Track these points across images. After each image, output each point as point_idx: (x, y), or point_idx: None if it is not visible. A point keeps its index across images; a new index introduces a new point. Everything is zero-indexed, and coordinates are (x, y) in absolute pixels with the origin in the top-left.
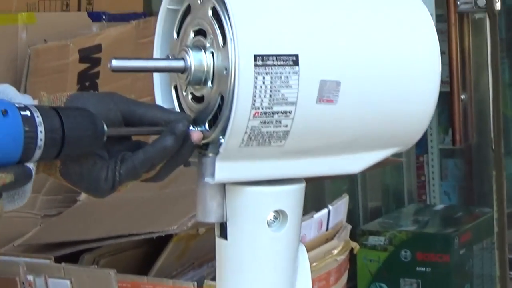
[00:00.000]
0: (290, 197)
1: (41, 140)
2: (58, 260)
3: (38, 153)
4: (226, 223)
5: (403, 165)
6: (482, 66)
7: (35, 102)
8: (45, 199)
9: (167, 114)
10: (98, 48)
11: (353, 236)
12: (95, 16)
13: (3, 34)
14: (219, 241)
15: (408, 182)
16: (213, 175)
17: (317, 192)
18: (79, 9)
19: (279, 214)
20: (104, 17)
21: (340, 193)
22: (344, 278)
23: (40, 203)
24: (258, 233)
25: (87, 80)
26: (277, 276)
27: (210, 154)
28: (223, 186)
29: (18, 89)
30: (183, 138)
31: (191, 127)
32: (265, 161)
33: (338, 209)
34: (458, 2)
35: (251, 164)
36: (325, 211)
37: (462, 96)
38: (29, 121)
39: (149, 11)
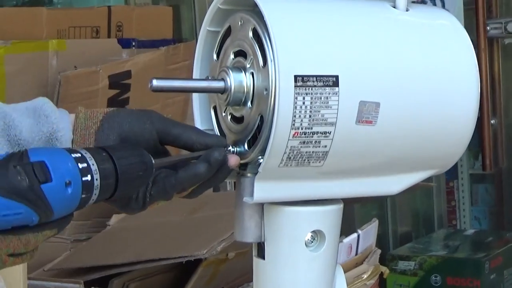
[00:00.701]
0: (328, 218)
1: (93, 200)
2: (88, 285)
3: (89, 204)
4: (263, 243)
5: (433, 190)
6: None
7: (72, 117)
8: (75, 224)
9: (203, 137)
10: (127, 74)
11: (383, 261)
12: (124, 43)
13: (34, 60)
14: (256, 260)
15: (438, 207)
16: (251, 194)
17: (347, 217)
18: (109, 36)
19: (317, 235)
20: (133, 43)
21: (370, 218)
22: None
23: (70, 228)
24: (295, 253)
25: (117, 106)
26: None
27: (249, 174)
28: (261, 206)
29: None
30: (219, 164)
31: (230, 148)
32: (303, 181)
33: (368, 233)
34: (488, 28)
35: (290, 184)
36: (354, 235)
37: (492, 121)
38: (88, 187)
39: (179, 37)
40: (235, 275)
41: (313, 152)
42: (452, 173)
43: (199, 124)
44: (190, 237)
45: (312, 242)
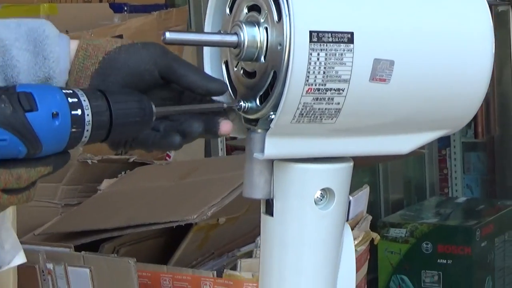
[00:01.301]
0: (338, 176)
1: (86, 137)
2: (78, 249)
3: (81, 144)
4: (272, 200)
5: (425, 158)
6: (505, 60)
7: (74, 43)
8: (65, 188)
9: (206, 83)
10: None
11: (374, 228)
12: (116, 7)
13: None
14: (264, 217)
15: (430, 175)
16: (262, 150)
17: None
18: (100, 0)
19: (326, 192)
20: (125, 8)
21: (361, 185)
22: (364, 269)
23: (61, 193)
24: (304, 211)
25: None
26: (322, 254)
27: (260, 130)
28: (271, 163)
29: None
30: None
31: (242, 103)
32: (315, 138)
33: (359, 200)
34: None
35: (301, 141)
36: None
37: None
38: (78, 121)
39: (171, 2)
40: (226, 240)
41: (325, 109)
42: (444, 141)
43: None
44: (181, 202)
45: (321, 200)
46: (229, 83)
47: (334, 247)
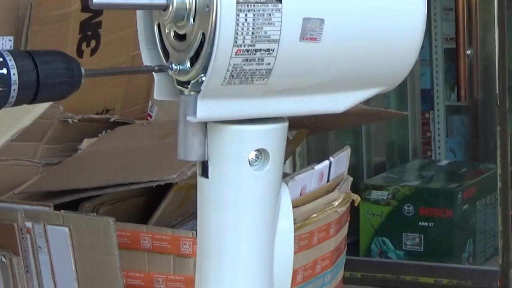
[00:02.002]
0: (272, 136)
1: (12, 97)
2: (58, 208)
3: (8, 105)
4: (207, 162)
5: (408, 120)
6: (489, 23)
7: None
8: (46, 147)
9: None
10: None
11: (356, 190)
12: None
13: None
14: (200, 179)
15: (413, 138)
16: (195, 113)
17: (321, 146)
18: None
19: (261, 153)
20: None
21: (343, 147)
22: (344, 230)
23: (41, 152)
24: (239, 172)
25: (90, 30)
26: (258, 214)
27: (192, 92)
28: (204, 125)
29: (19, 39)
30: None
31: (173, 65)
32: (247, 99)
33: (340, 161)
34: None
35: (234, 103)
36: (326, 162)
37: (468, 52)
38: (4, 80)
39: None
40: None
41: (256, 69)
42: (428, 104)
43: (143, 42)
44: (161, 161)
45: (256, 161)
46: (162, 47)
47: (270, 207)
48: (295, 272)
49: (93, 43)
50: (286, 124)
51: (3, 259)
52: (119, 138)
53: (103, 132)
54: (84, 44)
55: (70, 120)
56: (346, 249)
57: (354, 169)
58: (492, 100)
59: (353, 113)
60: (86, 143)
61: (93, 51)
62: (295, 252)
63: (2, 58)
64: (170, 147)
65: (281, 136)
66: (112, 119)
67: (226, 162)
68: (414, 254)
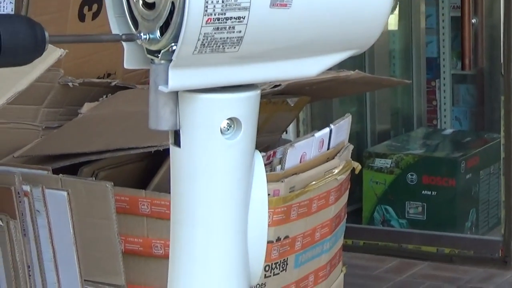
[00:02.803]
0: (244, 105)
1: None
2: (57, 172)
3: None
4: (179, 131)
5: (414, 89)
6: None
7: None
8: (46, 111)
9: None
10: None
11: (359, 158)
12: None
13: None
14: (173, 148)
15: (418, 106)
16: (166, 82)
17: (325, 113)
18: None
19: (233, 122)
20: None
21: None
22: (344, 198)
23: (41, 115)
24: (211, 141)
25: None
26: (231, 183)
27: (163, 61)
28: (176, 94)
29: (21, 1)
30: None
31: (142, 34)
32: (219, 67)
33: (340, 128)
34: None
35: (205, 71)
36: (326, 130)
37: (473, 21)
38: None
39: None
40: None
41: (227, 38)
42: (434, 72)
43: (111, 9)
44: None
45: (228, 129)
46: (131, 16)
47: (243, 176)
48: (294, 239)
49: (95, 7)
50: (258, 92)
51: (0, 223)
52: (119, 102)
53: (104, 96)
54: (86, 8)
55: (70, 84)
56: (346, 217)
57: (358, 136)
58: (497, 70)
59: (355, 81)
60: (86, 107)
61: (94, 15)
62: (294, 219)
63: None
64: None
65: (253, 105)
66: (113, 84)
67: (197, 131)
68: (417, 222)
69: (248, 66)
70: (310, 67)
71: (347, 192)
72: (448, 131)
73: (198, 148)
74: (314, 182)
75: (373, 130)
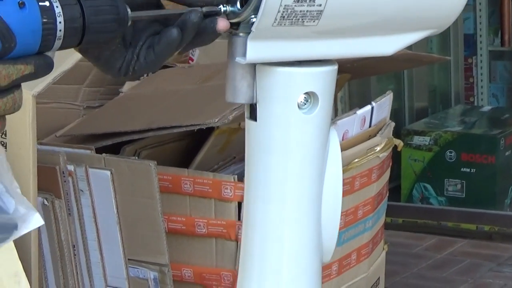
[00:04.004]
0: (322, 79)
1: (60, 30)
2: (99, 151)
3: (58, 43)
4: (256, 105)
5: (451, 66)
6: None
7: None
8: (87, 90)
9: None
10: None
11: (398, 135)
12: None
13: None
14: (248, 122)
15: (456, 83)
16: (244, 54)
17: (363, 91)
18: None
19: (310, 96)
20: None
21: (386, 92)
22: (386, 176)
23: (82, 95)
24: (288, 115)
25: None
26: (306, 159)
27: (241, 34)
28: (253, 67)
29: None
30: (194, 28)
31: (221, 7)
32: (297, 41)
33: (382, 106)
34: None
35: (284, 44)
36: (368, 107)
37: None
38: (48, 12)
39: None
40: None
41: (307, 11)
42: (471, 49)
43: None
44: (203, 105)
45: (305, 104)
46: None
47: (318, 151)
48: None
49: None
50: (336, 67)
51: (45, 202)
52: (160, 81)
53: (145, 75)
54: None
55: None
56: (388, 194)
57: (396, 114)
58: None
59: (395, 58)
60: (127, 86)
61: None
62: None
63: (48, 1)
64: (212, 90)
65: (330, 79)
66: None
67: (274, 105)
68: (456, 200)
69: (325, 41)
70: (387, 45)
71: (389, 169)
72: (486, 108)
73: (275, 122)
74: (356, 160)
75: (411, 107)
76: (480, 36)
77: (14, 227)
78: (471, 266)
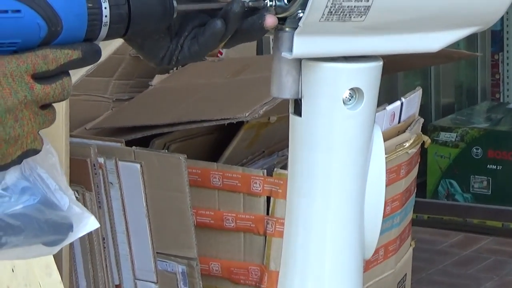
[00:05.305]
0: (367, 75)
1: (106, 16)
2: (129, 144)
3: (104, 30)
4: (301, 100)
5: (478, 62)
6: None
7: None
8: (117, 83)
9: None
10: None
11: (424, 131)
12: None
13: None
14: (293, 118)
15: (482, 80)
16: (290, 49)
17: (391, 87)
18: None
19: (355, 92)
20: None
21: (413, 88)
22: (415, 172)
23: (112, 87)
24: (333, 111)
25: None
26: (350, 154)
27: (288, 29)
28: (299, 62)
29: None
30: (238, 19)
31: (268, 1)
32: (344, 36)
33: (411, 102)
34: None
35: (330, 40)
36: (398, 103)
37: None
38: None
39: None
40: (276, 139)
41: (355, 6)
42: (497, 45)
43: None
44: (233, 99)
45: (350, 100)
46: None
47: (363, 148)
48: None
49: None
50: (381, 63)
51: (76, 195)
52: (190, 74)
53: (174, 68)
54: None
55: None
56: (415, 191)
57: (422, 110)
58: None
59: (425, 53)
60: (157, 79)
61: None
62: None
63: None
64: (242, 84)
65: (376, 75)
66: None
67: (319, 101)
68: (482, 197)
69: (371, 37)
70: (433, 42)
71: (417, 166)
72: None
73: (320, 118)
74: (385, 156)
75: (437, 103)
76: (507, 32)
77: (70, 227)
78: (496, 264)
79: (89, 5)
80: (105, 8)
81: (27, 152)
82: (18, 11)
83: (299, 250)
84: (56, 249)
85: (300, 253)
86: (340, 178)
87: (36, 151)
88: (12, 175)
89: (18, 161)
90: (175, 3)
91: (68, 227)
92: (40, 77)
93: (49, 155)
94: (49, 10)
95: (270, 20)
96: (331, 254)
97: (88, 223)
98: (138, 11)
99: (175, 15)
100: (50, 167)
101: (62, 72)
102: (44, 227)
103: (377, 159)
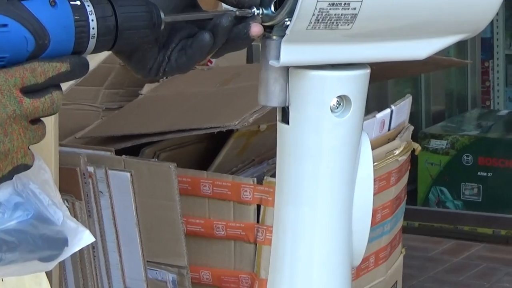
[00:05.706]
0: (355, 83)
1: (93, 28)
2: (119, 153)
3: (92, 42)
4: (288, 108)
5: (468, 70)
6: None
7: None
8: (107, 92)
9: None
10: None
11: (415, 139)
12: None
13: None
14: (280, 126)
15: (472, 87)
16: (277, 57)
17: (381, 94)
18: None
19: (343, 100)
20: None
21: (403, 96)
22: (405, 179)
23: (102, 96)
24: (320, 118)
25: None
26: (338, 162)
27: (275, 37)
28: (286, 70)
29: None
30: (226, 32)
31: (255, 10)
32: (331, 44)
33: (401, 109)
34: None
35: (317, 48)
36: (387, 111)
37: None
38: (80, 10)
39: None
40: (266, 147)
41: (342, 14)
42: (488, 53)
43: None
44: (222, 108)
45: (337, 107)
46: None
47: (351, 155)
48: None
49: None
50: (368, 71)
51: (66, 204)
52: (180, 83)
53: (164, 77)
54: None
55: None
56: (406, 198)
57: (412, 117)
58: None
59: (415, 61)
60: (147, 88)
61: None
62: None
63: (79, 0)
64: (231, 93)
65: (363, 83)
66: None
67: (307, 108)
68: (472, 204)
69: (359, 44)
70: (420, 49)
71: (407, 173)
72: (503, 112)
73: (307, 126)
74: (375, 163)
75: (428, 111)
76: (497, 40)
77: (65, 242)
78: (487, 270)
79: (76, 17)
80: (92, 20)
81: (17, 167)
82: (5, 25)
83: (287, 258)
84: (52, 264)
85: (287, 261)
86: (328, 186)
87: (27, 167)
88: (4, 191)
89: (9, 176)
90: (162, 14)
91: (63, 242)
92: (29, 91)
93: (41, 171)
94: (36, 23)
95: (256, 29)
96: (319, 262)
97: (83, 237)
98: (126, 23)
99: (162, 26)
100: (43, 183)
101: (52, 85)
102: (39, 242)
103: (365, 167)
